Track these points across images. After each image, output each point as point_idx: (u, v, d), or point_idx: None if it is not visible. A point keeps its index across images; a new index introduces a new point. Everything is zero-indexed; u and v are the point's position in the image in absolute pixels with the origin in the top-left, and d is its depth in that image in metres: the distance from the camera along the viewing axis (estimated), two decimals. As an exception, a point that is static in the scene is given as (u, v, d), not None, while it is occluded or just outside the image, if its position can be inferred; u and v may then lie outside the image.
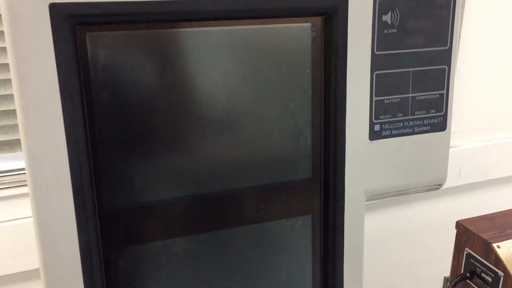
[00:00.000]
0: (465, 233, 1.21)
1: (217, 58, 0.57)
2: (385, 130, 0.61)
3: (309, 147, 0.64)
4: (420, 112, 0.62)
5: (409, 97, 0.60)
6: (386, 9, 0.57)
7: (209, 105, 0.57)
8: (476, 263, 1.18)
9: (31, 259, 1.18)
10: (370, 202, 0.77)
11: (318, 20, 0.59)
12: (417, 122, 0.63)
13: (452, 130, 2.03)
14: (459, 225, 1.22)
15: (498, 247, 1.13)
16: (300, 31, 0.58)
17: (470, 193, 1.80)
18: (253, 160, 0.61)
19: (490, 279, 1.14)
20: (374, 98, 0.61)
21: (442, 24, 0.60)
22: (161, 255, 0.59)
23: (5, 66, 1.10)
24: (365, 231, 1.66)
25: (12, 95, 1.13)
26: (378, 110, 0.62)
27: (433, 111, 0.63)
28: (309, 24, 0.58)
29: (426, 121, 0.61)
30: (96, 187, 0.55)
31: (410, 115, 0.60)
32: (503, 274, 1.11)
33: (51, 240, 0.52)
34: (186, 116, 0.57)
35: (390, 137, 0.62)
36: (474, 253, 1.18)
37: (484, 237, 1.15)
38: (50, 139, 0.51)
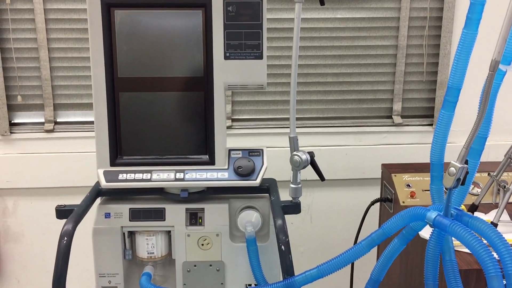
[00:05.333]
0: (384, 171, 1.76)
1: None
2: (232, 55, 1.29)
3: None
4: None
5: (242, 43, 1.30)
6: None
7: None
8: (387, 190, 1.72)
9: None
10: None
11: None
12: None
13: (452, 129, 2.46)
14: (383, 166, 1.78)
15: (395, 175, 1.67)
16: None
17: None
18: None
19: (390, 197, 1.67)
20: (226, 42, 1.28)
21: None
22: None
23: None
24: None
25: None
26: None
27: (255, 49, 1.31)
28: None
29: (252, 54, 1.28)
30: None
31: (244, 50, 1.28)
32: (393, 192, 1.64)
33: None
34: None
35: (234, 59, 1.30)
36: (386, 182, 1.73)
37: (389, 171, 1.70)
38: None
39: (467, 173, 0.96)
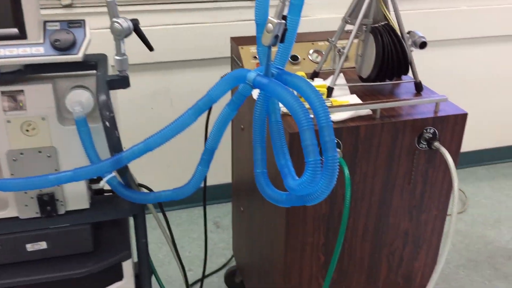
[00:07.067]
0: (233, 45, 1.70)
1: None
2: None
3: None
4: None
5: None
6: None
7: None
8: (236, 64, 1.68)
9: None
10: None
11: None
12: None
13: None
14: (232, 39, 1.72)
15: (242, 48, 1.62)
16: None
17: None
18: None
19: (237, 71, 1.64)
20: None
21: None
22: None
23: None
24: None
25: None
26: None
27: None
28: None
29: None
30: None
31: None
32: (241, 64, 1.61)
33: None
34: None
35: None
36: (235, 56, 1.68)
37: (237, 44, 1.64)
38: None
39: (285, 29, 0.92)
